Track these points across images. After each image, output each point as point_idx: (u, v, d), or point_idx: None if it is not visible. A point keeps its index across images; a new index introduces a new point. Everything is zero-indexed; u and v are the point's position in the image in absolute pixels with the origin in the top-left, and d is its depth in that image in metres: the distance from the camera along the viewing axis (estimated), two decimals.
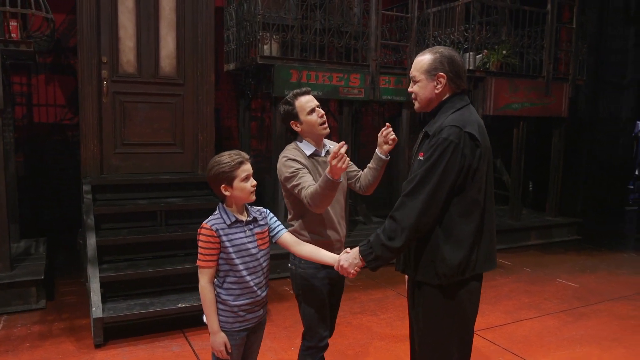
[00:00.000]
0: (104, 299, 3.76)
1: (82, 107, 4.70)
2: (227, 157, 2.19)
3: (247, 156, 2.24)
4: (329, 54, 5.60)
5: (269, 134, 7.19)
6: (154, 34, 4.98)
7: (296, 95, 2.54)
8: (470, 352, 2.17)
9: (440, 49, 2.10)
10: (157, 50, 5.00)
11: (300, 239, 2.48)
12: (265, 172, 6.68)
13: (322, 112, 2.58)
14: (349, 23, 5.62)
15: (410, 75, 2.15)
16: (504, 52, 6.44)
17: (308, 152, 2.56)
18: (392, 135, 2.55)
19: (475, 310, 2.14)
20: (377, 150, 2.59)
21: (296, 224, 2.58)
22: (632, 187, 9.96)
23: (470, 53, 6.37)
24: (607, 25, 8.64)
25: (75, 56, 5.98)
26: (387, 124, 2.58)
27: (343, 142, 2.21)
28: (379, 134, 2.58)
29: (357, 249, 2.14)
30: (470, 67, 6.33)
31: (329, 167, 2.23)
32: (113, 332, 3.73)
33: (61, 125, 6.17)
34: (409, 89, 2.17)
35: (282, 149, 2.63)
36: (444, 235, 2.00)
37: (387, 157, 2.58)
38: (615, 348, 3.84)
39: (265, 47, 5.17)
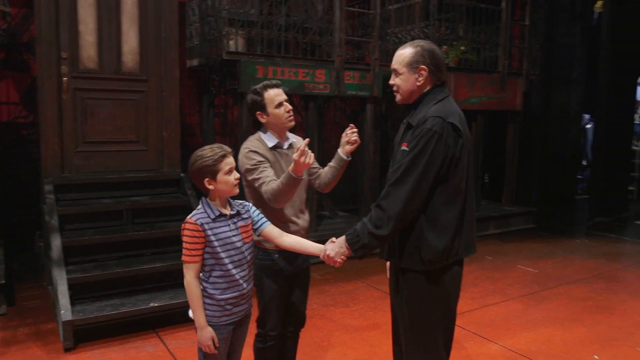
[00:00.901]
0: (72, 301, 3.65)
1: (41, 104, 4.54)
2: (210, 151, 2.18)
3: (229, 149, 2.24)
4: (293, 50, 5.60)
5: (233, 131, 7.14)
6: (116, 28, 4.85)
7: (266, 87, 2.56)
8: (453, 333, 2.25)
9: (421, 42, 2.17)
10: (119, 45, 4.88)
11: None
12: None
13: (290, 107, 2.61)
14: (313, 19, 5.65)
15: (392, 68, 2.20)
16: (462, 48, 6.63)
17: (270, 144, 2.59)
18: (355, 137, 2.62)
19: (457, 293, 2.22)
20: (339, 150, 2.65)
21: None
22: (581, 177, 10.45)
23: None
24: (555, 22, 9.01)
25: (29, 52, 5.77)
26: (351, 124, 2.65)
27: (308, 140, 2.26)
28: (343, 134, 2.64)
29: (343, 238, 2.18)
30: None
31: (292, 164, 2.29)
32: (83, 335, 3.63)
33: (15, 124, 5.91)
34: (391, 82, 2.22)
35: None
36: (429, 222, 2.06)
37: (348, 157, 2.65)
38: (576, 328, 4.05)
39: (231, 42, 5.13)
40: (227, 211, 2.24)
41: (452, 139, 2.02)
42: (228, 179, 2.18)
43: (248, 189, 2.61)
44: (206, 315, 2.21)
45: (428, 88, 2.16)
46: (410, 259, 2.12)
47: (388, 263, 2.44)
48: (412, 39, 6.57)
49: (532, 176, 8.87)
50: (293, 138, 2.72)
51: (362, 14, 6.57)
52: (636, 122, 10.16)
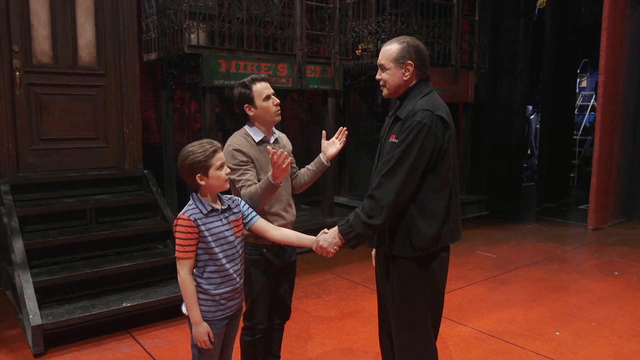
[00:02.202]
0: (39, 305, 3.51)
1: None
2: (200, 147, 2.17)
3: (219, 144, 2.24)
4: (250, 44, 5.56)
5: (190, 126, 7.01)
6: (71, 21, 4.66)
7: (254, 80, 2.57)
8: (441, 316, 2.36)
9: (407, 38, 2.24)
10: (74, 38, 4.69)
11: None
12: None
13: (278, 100, 2.63)
14: (273, 13, 5.63)
15: (379, 64, 2.26)
16: None
17: (257, 139, 2.61)
18: (344, 139, 2.69)
19: (444, 278, 2.32)
20: (321, 155, 2.71)
21: None
22: (525, 165, 10.97)
23: None
24: (500, 17, 9.39)
25: None
26: (343, 127, 2.72)
27: (282, 151, 2.30)
28: (323, 140, 2.70)
29: (335, 228, 2.23)
30: None
31: (271, 170, 2.32)
32: (53, 340, 3.50)
33: None
34: (377, 77, 2.28)
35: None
36: (419, 210, 2.15)
37: (328, 163, 2.71)
38: (537, 307, 4.29)
39: (192, 36, 5.04)
40: (219, 206, 2.24)
41: (440, 131, 2.10)
42: (220, 174, 2.18)
43: (231, 185, 2.61)
44: (201, 311, 2.21)
45: (414, 82, 2.23)
46: (401, 246, 2.20)
47: (374, 251, 2.51)
48: (370, 33, 6.70)
49: (481, 165, 9.25)
50: (278, 134, 2.73)
51: (319, 8, 6.61)
52: (575, 112, 10.74)
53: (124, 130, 4.95)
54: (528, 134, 11.18)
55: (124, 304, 3.70)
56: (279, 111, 2.62)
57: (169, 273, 4.24)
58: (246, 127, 2.64)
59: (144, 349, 3.50)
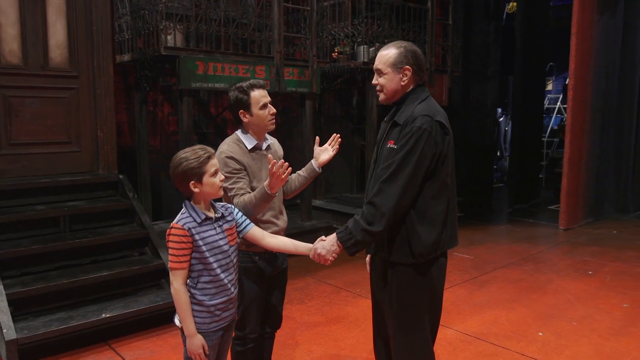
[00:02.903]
0: (13, 318, 3.34)
1: None
2: (193, 153, 2.10)
3: (212, 150, 2.18)
4: (227, 46, 5.47)
5: (164, 129, 6.85)
6: (41, 20, 4.48)
7: (252, 86, 2.51)
8: (439, 321, 2.35)
9: (403, 43, 2.22)
10: (45, 38, 4.51)
11: None
12: (161, 169, 6.37)
13: (274, 109, 2.58)
14: (250, 14, 5.55)
15: (376, 68, 2.23)
16: None
17: (249, 146, 2.55)
18: (337, 146, 2.66)
19: (443, 284, 2.31)
20: (312, 161, 2.68)
21: None
22: (495, 167, 11.18)
23: (364, 46, 6.66)
24: (471, 21, 9.56)
25: None
26: (337, 135, 2.68)
27: (282, 161, 2.28)
28: (316, 146, 2.67)
29: (333, 235, 2.19)
30: (365, 60, 6.63)
31: (268, 179, 2.28)
32: (29, 354, 3.34)
33: None
34: (374, 82, 2.26)
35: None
36: (418, 216, 2.13)
37: (320, 169, 2.68)
38: (518, 308, 4.35)
39: (169, 37, 4.92)
40: (212, 214, 2.18)
41: (439, 137, 2.09)
42: (214, 181, 2.12)
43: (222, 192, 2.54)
44: (195, 323, 2.13)
45: (411, 87, 2.22)
46: (400, 253, 2.18)
47: (368, 257, 2.49)
48: (346, 36, 6.70)
49: (455, 167, 9.38)
50: (270, 139, 2.68)
51: (295, 10, 6.57)
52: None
53: (97, 133, 4.79)
54: (498, 136, 11.41)
55: (103, 315, 3.57)
56: (274, 120, 2.57)
57: (149, 281, 4.12)
58: (238, 133, 2.57)
59: None
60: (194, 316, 2.13)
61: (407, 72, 2.18)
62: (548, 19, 9.14)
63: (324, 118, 7.86)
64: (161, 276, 4.20)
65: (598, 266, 5.48)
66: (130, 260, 4.19)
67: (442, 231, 2.17)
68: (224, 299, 2.17)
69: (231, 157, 2.47)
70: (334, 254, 2.20)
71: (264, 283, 2.60)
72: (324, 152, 2.67)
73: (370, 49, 6.73)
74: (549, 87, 12.64)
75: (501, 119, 11.63)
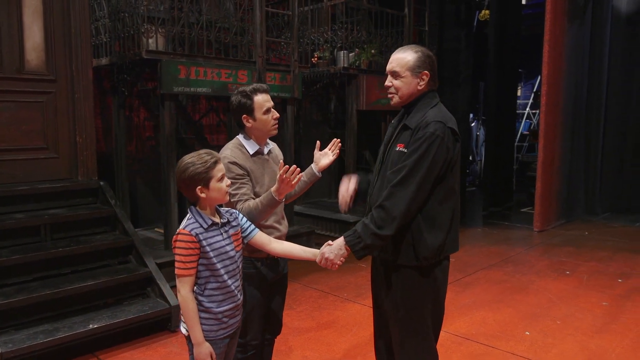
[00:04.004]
0: None
1: None
2: (199, 158, 2.06)
3: (219, 155, 2.14)
4: (208, 50, 5.40)
5: (140, 135, 6.71)
6: (17, 22, 4.31)
7: (256, 91, 2.48)
8: (442, 322, 2.37)
9: (420, 47, 2.23)
10: (21, 41, 4.35)
11: None
12: (137, 175, 6.24)
13: (277, 114, 2.56)
14: (230, 19, 5.51)
15: (392, 71, 2.22)
16: (373, 51, 6.90)
17: (251, 151, 2.52)
18: (338, 150, 2.65)
19: (446, 286, 2.34)
20: (312, 166, 2.65)
21: None
22: (468, 171, 11.38)
23: (344, 51, 6.70)
24: (444, 28, 9.73)
25: None
26: (337, 139, 2.68)
27: (295, 166, 2.26)
28: (316, 151, 2.65)
29: (341, 240, 2.18)
30: (345, 65, 6.67)
31: (276, 184, 2.26)
32: None
33: None
34: (387, 83, 2.25)
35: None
36: (425, 221, 2.14)
37: (320, 174, 2.66)
38: (503, 308, 4.43)
39: (150, 41, 4.83)
40: (218, 219, 2.14)
41: (451, 143, 2.12)
42: (221, 186, 2.09)
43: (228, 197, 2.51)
44: (203, 331, 2.09)
45: (424, 92, 2.23)
46: (405, 256, 2.19)
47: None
48: (325, 41, 6.72)
49: None
50: (271, 144, 2.66)
51: (274, 15, 6.56)
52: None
53: (76, 139, 4.64)
54: (469, 140, 11.62)
55: (91, 326, 3.46)
56: (277, 125, 2.55)
57: (135, 290, 4.02)
58: (240, 138, 2.54)
59: None
60: (201, 324, 2.08)
61: (424, 76, 2.19)
62: (520, 26, 9.40)
63: (302, 123, 7.86)
64: (147, 285, 4.10)
65: (574, 266, 5.64)
66: (115, 269, 4.07)
67: (447, 236, 2.19)
68: (231, 305, 2.14)
69: (234, 163, 2.43)
70: (342, 258, 2.20)
71: (266, 289, 2.57)
72: (324, 157, 2.65)
73: (350, 54, 6.78)
74: (518, 93, 12.97)
75: (472, 124, 11.87)
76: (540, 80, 11.45)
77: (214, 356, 2.11)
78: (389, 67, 2.25)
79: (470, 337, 3.84)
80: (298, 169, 2.25)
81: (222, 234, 2.12)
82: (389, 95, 2.28)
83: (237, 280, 2.18)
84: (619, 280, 5.16)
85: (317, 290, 4.85)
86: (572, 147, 7.89)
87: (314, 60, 6.81)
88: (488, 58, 9.02)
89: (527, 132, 11.92)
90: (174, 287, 4.73)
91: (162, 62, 4.82)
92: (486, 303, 4.55)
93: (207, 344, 2.09)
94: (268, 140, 2.63)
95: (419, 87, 2.20)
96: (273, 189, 2.28)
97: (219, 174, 2.08)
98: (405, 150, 2.13)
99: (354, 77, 6.80)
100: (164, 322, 3.87)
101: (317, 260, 2.25)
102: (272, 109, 2.52)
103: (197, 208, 2.10)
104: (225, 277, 2.10)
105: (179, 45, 5.11)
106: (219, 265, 2.08)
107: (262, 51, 5.59)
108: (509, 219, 8.31)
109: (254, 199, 2.41)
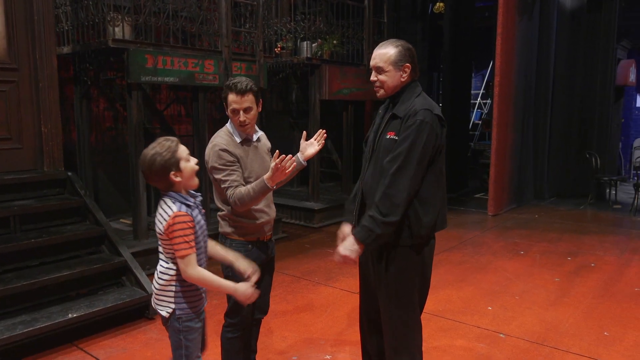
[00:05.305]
0: None
1: None
2: (161, 146, 2.10)
3: (175, 138, 2.19)
4: (173, 40, 5.38)
5: (99, 125, 6.57)
6: None
7: (229, 88, 2.53)
8: (427, 296, 2.55)
9: (399, 42, 2.37)
10: None
11: (231, 224, 2.60)
12: (97, 166, 6.13)
13: (244, 118, 2.54)
14: (198, 8, 5.50)
15: (376, 67, 2.35)
16: (335, 42, 7.04)
17: (239, 139, 2.60)
18: (323, 142, 2.75)
19: (431, 262, 2.51)
20: (299, 155, 2.70)
21: (227, 209, 2.61)
22: None
23: (307, 42, 6.80)
24: (400, 20, 9.99)
25: None
26: (323, 129, 2.78)
27: (290, 156, 2.35)
28: (302, 140, 2.73)
29: (351, 238, 2.29)
30: (308, 56, 6.78)
31: (269, 172, 2.35)
32: None
33: None
34: (372, 78, 2.38)
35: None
36: (419, 201, 2.30)
37: (305, 163, 2.73)
38: (466, 287, 4.71)
39: (117, 29, 4.77)
40: (193, 199, 2.22)
41: (439, 129, 2.28)
42: (190, 164, 2.16)
43: (215, 183, 2.58)
44: (188, 307, 2.18)
45: (407, 83, 2.38)
46: (400, 236, 2.33)
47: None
48: (288, 31, 6.81)
49: None
50: (260, 132, 2.74)
51: (237, 5, 6.57)
52: None
53: (41, 129, 4.55)
54: None
55: (70, 315, 3.45)
56: (245, 127, 2.57)
57: (110, 280, 4.03)
58: (228, 126, 2.62)
59: None
60: (186, 302, 2.17)
61: (406, 69, 2.33)
62: (473, 19, 9.77)
63: (264, 112, 7.91)
64: (122, 274, 4.11)
65: (528, 247, 6.02)
66: (89, 259, 4.06)
67: (438, 214, 2.36)
68: None
69: (225, 150, 2.51)
70: (357, 254, 2.30)
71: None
72: (310, 146, 2.74)
73: (313, 45, 6.89)
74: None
75: None
76: (490, 71, 11.97)
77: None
78: (372, 62, 2.38)
79: (437, 314, 4.08)
80: (293, 157, 2.34)
81: (199, 212, 2.22)
82: (375, 89, 2.41)
83: (205, 254, 2.29)
84: (568, 259, 5.56)
85: (289, 275, 4.98)
86: (522, 135, 8.33)
87: (277, 50, 6.88)
88: (442, 50, 9.33)
89: (479, 122, 12.41)
90: (150, 275, 4.73)
91: (130, 51, 4.78)
92: (450, 282, 4.82)
93: (242, 283, 2.18)
94: (256, 128, 2.71)
95: (402, 79, 2.35)
96: (266, 176, 2.37)
97: (185, 154, 2.14)
98: (397, 138, 2.27)
99: (317, 67, 6.92)
100: (142, 310, 3.90)
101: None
102: (241, 112, 2.51)
103: (174, 192, 2.15)
104: (202, 250, 2.22)
105: (145, 34, 5.06)
106: (200, 239, 2.19)
107: (228, 41, 5.62)
108: (464, 204, 8.69)
109: (244, 185, 2.49)
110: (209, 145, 2.55)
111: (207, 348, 2.44)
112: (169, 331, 2.24)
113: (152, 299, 2.28)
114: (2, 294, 3.40)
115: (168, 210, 2.12)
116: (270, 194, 2.73)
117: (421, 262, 2.41)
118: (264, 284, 2.78)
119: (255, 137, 2.67)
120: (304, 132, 2.79)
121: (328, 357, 3.42)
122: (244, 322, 2.67)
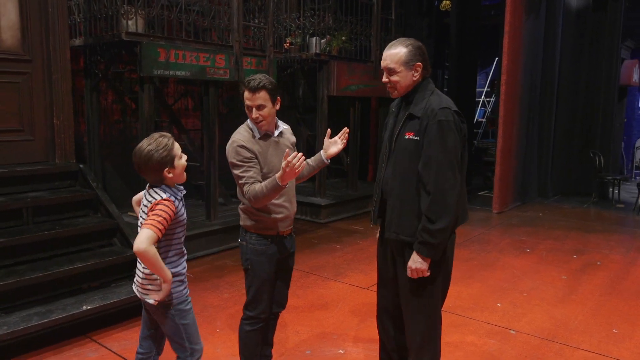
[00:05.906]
0: None
1: None
2: (159, 143, 2.16)
3: (169, 134, 2.25)
4: (185, 34, 5.37)
5: (107, 117, 6.58)
6: None
7: (245, 84, 2.55)
8: (448, 289, 2.58)
9: (409, 40, 2.37)
10: None
11: (251, 217, 2.62)
12: (106, 158, 6.14)
13: (258, 114, 2.55)
14: (211, 1, 5.50)
15: (388, 68, 2.35)
16: (343, 38, 7.04)
17: (259, 134, 2.61)
18: (345, 140, 2.76)
19: (453, 256, 2.53)
20: (322, 152, 2.74)
21: (247, 203, 2.62)
22: None
23: (316, 37, 6.80)
24: (407, 17, 9.98)
25: None
26: (347, 128, 2.79)
27: (301, 154, 2.36)
28: (326, 138, 2.74)
29: (415, 255, 2.31)
30: (317, 51, 6.78)
31: (280, 171, 2.36)
32: (9, 352, 3.19)
33: None
34: (384, 79, 2.39)
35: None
36: None
37: (327, 161, 2.77)
38: (474, 283, 4.74)
39: (130, 22, 4.77)
40: (180, 193, 2.31)
41: (460, 125, 2.30)
42: (182, 162, 2.25)
43: (234, 179, 2.59)
44: (177, 292, 2.27)
45: (419, 81, 2.39)
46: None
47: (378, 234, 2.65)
48: (297, 27, 6.80)
49: None
50: (283, 125, 2.75)
51: (247, 0, 6.56)
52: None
53: (54, 121, 4.56)
54: None
55: (84, 307, 3.47)
56: (260, 125, 2.58)
57: (123, 272, 4.04)
58: (249, 122, 2.63)
59: (113, 352, 3.33)
60: (173, 287, 2.24)
61: (418, 68, 2.34)
62: (480, 17, 9.77)
63: None
64: (135, 267, 4.11)
65: (534, 244, 6.05)
66: (102, 252, 4.07)
67: (460, 208, 2.38)
68: (185, 264, 2.35)
69: (242, 146, 2.52)
70: (426, 264, 2.33)
71: (275, 265, 2.69)
72: (333, 145, 2.75)
73: (322, 41, 6.89)
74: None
75: None
76: (495, 69, 11.98)
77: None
78: (383, 64, 2.37)
79: (448, 310, 4.10)
80: (303, 156, 2.34)
81: (183, 204, 2.30)
82: (388, 89, 2.41)
83: (184, 240, 2.37)
84: (574, 257, 5.60)
85: (297, 270, 4.99)
86: (527, 134, 8.36)
87: (286, 45, 6.88)
88: (449, 47, 9.32)
89: (482, 119, 12.42)
90: None
91: (143, 45, 4.78)
92: (458, 279, 4.84)
93: (167, 284, 2.20)
94: (280, 123, 2.72)
95: (414, 78, 2.35)
96: (277, 175, 2.37)
97: (179, 152, 2.23)
98: (417, 138, 2.28)
99: (326, 63, 6.92)
100: None
101: (408, 274, 2.37)
102: (254, 108, 2.52)
103: (165, 186, 2.23)
104: (182, 240, 2.31)
105: (165, 28, 5.06)
106: (179, 230, 2.26)
107: (239, 36, 5.62)
108: (469, 201, 8.65)
109: (260, 181, 2.50)
110: (229, 142, 2.57)
111: (216, 340, 2.46)
112: (160, 319, 2.31)
113: (135, 289, 2.35)
114: (16, 286, 3.41)
115: (157, 197, 2.18)
116: (293, 189, 2.75)
117: (444, 257, 2.43)
118: (282, 279, 2.81)
119: (276, 133, 2.68)
120: (328, 130, 2.79)
121: (341, 351, 3.44)
122: (262, 315, 2.69)
